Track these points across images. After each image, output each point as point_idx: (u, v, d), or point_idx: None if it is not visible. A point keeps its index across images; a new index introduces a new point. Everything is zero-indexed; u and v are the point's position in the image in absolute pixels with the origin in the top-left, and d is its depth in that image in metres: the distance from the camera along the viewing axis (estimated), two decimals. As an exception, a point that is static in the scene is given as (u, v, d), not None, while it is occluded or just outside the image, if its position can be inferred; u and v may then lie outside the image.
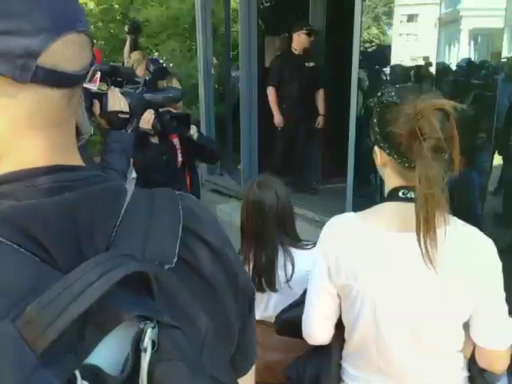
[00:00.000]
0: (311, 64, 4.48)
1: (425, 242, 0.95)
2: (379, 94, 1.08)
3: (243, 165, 4.89)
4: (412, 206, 0.98)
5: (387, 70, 3.35)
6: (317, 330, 1.20)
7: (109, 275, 0.41)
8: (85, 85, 1.56)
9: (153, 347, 0.42)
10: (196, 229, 0.56)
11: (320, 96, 4.59)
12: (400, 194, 1.05)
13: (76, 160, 0.55)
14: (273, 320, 1.67)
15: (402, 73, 3.19)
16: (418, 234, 0.96)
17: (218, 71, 5.79)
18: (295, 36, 4.46)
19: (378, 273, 1.04)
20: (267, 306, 1.68)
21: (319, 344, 1.23)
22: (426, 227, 0.95)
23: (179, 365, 0.43)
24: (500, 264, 1.04)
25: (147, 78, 2.36)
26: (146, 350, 0.42)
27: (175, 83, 2.52)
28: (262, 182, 1.67)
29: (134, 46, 5.21)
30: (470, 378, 1.16)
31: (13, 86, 0.48)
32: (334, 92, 4.46)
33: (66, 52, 0.49)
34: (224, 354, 0.57)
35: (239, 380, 0.66)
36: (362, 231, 1.07)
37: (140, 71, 3.37)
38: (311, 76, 4.46)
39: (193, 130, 2.43)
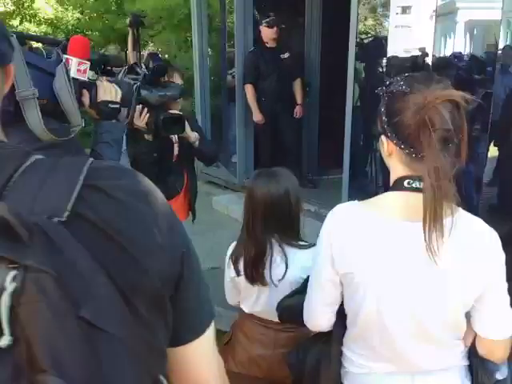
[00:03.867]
0: (286, 55, 4.45)
1: (430, 233, 0.96)
2: (388, 83, 1.07)
3: (239, 157, 4.88)
4: (417, 195, 0.99)
5: (383, 61, 3.34)
6: (318, 316, 1.21)
7: None
8: (74, 75, 1.55)
9: (16, 291, 0.43)
10: (103, 186, 0.57)
11: (297, 86, 4.56)
12: (405, 183, 1.04)
13: None
14: (262, 315, 1.68)
15: (397, 64, 3.18)
16: (425, 225, 0.96)
17: (213, 62, 5.75)
18: (261, 29, 4.45)
19: (381, 261, 1.05)
20: (257, 301, 1.68)
21: (320, 331, 1.24)
22: (433, 218, 0.95)
23: (41, 306, 0.45)
24: (504, 255, 1.06)
25: (147, 73, 2.31)
26: (2, 292, 0.43)
27: (177, 78, 2.46)
28: (274, 175, 1.61)
29: (137, 40, 5.16)
30: (470, 367, 1.18)
31: None
32: (330, 83, 4.46)
33: None
34: (129, 311, 0.55)
35: (185, 348, 0.66)
36: (365, 220, 1.07)
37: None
38: (288, 67, 4.44)
39: (194, 137, 2.38)
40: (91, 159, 0.60)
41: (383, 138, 1.07)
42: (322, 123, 4.96)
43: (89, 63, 1.58)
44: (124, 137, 2.51)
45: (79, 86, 1.55)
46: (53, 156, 0.59)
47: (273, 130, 4.57)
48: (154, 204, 0.61)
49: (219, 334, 2.73)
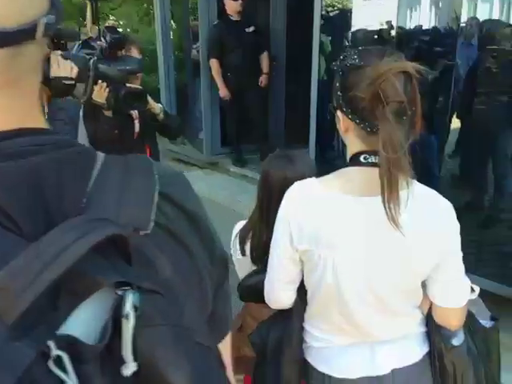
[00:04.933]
0: (251, 29, 4.39)
1: (389, 205, 0.96)
2: (341, 57, 1.06)
3: (205, 133, 4.82)
4: (374, 170, 0.99)
5: (348, 34, 3.31)
6: (279, 294, 1.21)
7: (85, 239, 0.39)
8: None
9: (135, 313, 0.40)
10: (172, 195, 0.54)
11: (264, 58, 4.52)
12: (362, 158, 1.04)
13: (41, 123, 0.52)
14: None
15: (362, 38, 3.17)
16: (383, 198, 0.96)
17: (178, 36, 5.59)
18: (225, 1, 4.36)
19: (338, 237, 1.05)
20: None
21: (282, 308, 1.24)
22: (389, 191, 0.95)
23: (163, 329, 0.42)
24: (458, 225, 1.08)
25: (104, 47, 2.21)
26: (127, 317, 0.40)
27: (135, 52, 2.36)
28: (291, 158, 1.53)
29: (96, 13, 4.97)
30: (428, 333, 1.21)
31: None
32: (296, 58, 4.41)
33: None
34: (202, 320, 0.56)
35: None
36: (323, 197, 1.07)
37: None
38: (253, 41, 4.38)
39: (158, 109, 2.31)
40: (150, 159, 0.56)
41: (339, 113, 1.06)
42: (289, 98, 4.93)
43: None
44: (81, 114, 2.43)
45: None
46: None
47: (239, 106, 4.53)
48: (208, 216, 0.61)
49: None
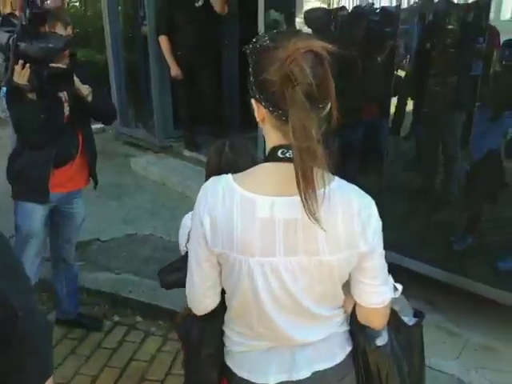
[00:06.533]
0: (200, 3, 4.21)
1: (306, 198, 0.88)
2: (254, 40, 0.97)
3: (156, 116, 4.65)
4: (291, 166, 0.90)
5: (297, 12, 3.20)
6: (203, 301, 1.14)
7: None
8: None
9: None
10: None
11: None
12: (279, 153, 0.96)
13: None
14: None
15: (311, 16, 3.06)
16: (299, 190, 0.88)
17: (126, 12, 5.32)
18: None
19: (253, 239, 0.98)
20: None
21: (206, 313, 1.17)
22: (304, 183, 0.88)
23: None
24: (380, 222, 1.02)
25: (24, 23, 2.02)
26: None
27: (60, 29, 2.18)
28: (235, 146, 1.48)
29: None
30: (350, 332, 1.17)
31: None
32: (249, 34, 4.26)
33: None
34: None
35: None
36: (236, 195, 0.98)
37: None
38: (204, 16, 4.20)
39: (85, 90, 2.15)
40: None
41: (253, 101, 0.99)
42: (243, 78, 4.79)
43: None
44: (3, 97, 2.25)
45: None
46: None
47: (192, 86, 4.36)
48: None
49: (141, 305, 2.70)
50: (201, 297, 1.13)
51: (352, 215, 0.97)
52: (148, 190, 4.29)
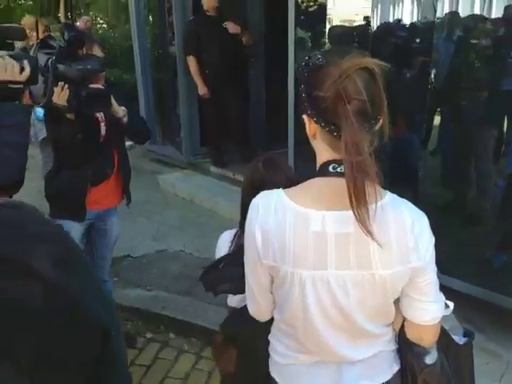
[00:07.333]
0: (228, 24, 4.28)
1: (359, 213, 0.89)
2: (306, 58, 1.00)
3: (184, 133, 4.71)
4: (343, 181, 0.91)
5: (325, 29, 3.23)
6: (266, 312, 1.17)
7: None
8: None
9: None
10: None
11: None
12: (330, 168, 0.98)
13: None
14: None
15: (338, 32, 3.09)
16: (352, 205, 0.89)
17: (155, 32, 5.45)
18: None
19: (306, 252, 0.98)
20: None
21: (265, 319, 1.19)
22: (356, 198, 0.89)
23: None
24: (433, 239, 1.01)
25: (62, 45, 2.09)
26: None
27: (96, 51, 2.25)
28: (268, 162, 1.50)
29: (69, 8, 4.82)
30: (398, 351, 1.15)
31: None
32: (275, 54, 4.31)
33: None
34: None
35: None
36: (288, 210, 1.00)
37: (34, 39, 2.99)
38: (231, 37, 4.27)
39: (121, 112, 2.19)
40: None
41: (305, 117, 1.01)
42: (269, 97, 4.84)
43: None
44: (35, 124, 2.31)
45: None
46: None
47: (218, 104, 4.42)
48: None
49: (174, 321, 2.71)
50: (262, 307, 1.15)
51: (405, 230, 0.97)
52: (176, 206, 4.33)
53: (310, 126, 1.00)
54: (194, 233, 3.80)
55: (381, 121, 0.95)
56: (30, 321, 0.47)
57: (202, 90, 4.36)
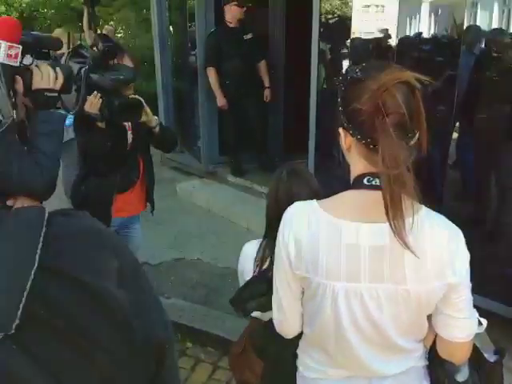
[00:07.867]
0: (249, 36, 4.34)
1: (395, 225, 0.89)
2: (344, 72, 1.02)
3: (203, 142, 4.75)
4: (378, 194, 0.92)
5: (348, 42, 3.25)
6: (292, 325, 1.15)
7: None
8: (3, 61, 1.40)
9: None
10: (62, 267, 0.43)
11: (262, 68, 4.46)
12: (365, 181, 0.98)
13: None
14: None
15: (361, 46, 3.10)
16: (389, 220, 0.90)
17: (176, 43, 5.53)
18: (227, 8, 4.29)
19: (339, 264, 0.98)
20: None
21: (293, 335, 1.18)
22: (393, 210, 0.89)
23: None
24: (468, 255, 1.00)
25: (96, 56, 2.13)
26: None
27: (128, 61, 2.29)
28: (292, 172, 1.49)
29: (92, 18, 4.90)
30: (429, 366, 1.14)
31: None
32: (295, 66, 4.34)
33: None
34: None
35: None
36: (322, 221, 1.00)
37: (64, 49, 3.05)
38: (251, 49, 4.32)
39: (154, 122, 2.23)
40: (48, 215, 0.44)
41: (341, 130, 1.01)
42: (287, 107, 4.86)
43: (20, 47, 1.43)
44: (70, 126, 2.34)
45: (10, 72, 1.41)
46: None
47: (237, 114, 4.46)
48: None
49: (191, 330, 2.70)
50: (290, 320, 1.14)
51: (441, 245, 0.97)
52: (194, 214, 4.35)
53: (346, 139, 1.01)
54: (211, 241, 3.81)
55: (417, 135, 0.95)
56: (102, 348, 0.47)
57: (221, 101, 4.40)
